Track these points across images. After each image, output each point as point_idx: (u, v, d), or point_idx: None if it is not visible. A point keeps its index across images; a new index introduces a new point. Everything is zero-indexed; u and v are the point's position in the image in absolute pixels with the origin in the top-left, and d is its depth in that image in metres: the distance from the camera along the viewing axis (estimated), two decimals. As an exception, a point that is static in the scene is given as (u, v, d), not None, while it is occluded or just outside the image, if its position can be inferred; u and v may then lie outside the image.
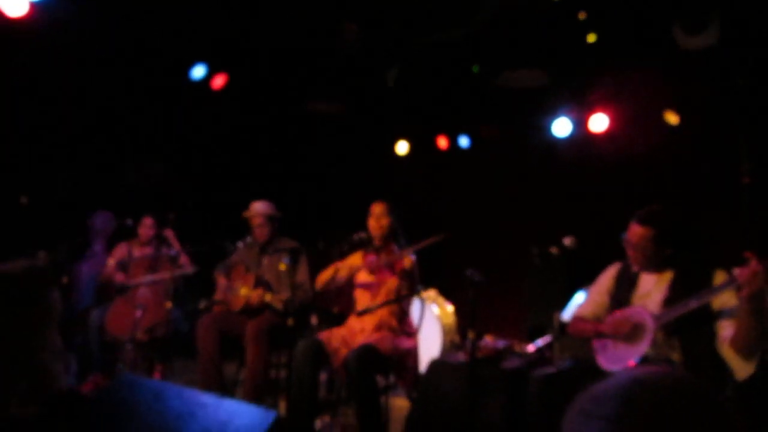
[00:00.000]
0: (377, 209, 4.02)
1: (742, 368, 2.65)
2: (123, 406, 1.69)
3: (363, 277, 4.04)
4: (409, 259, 3.92)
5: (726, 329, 2.71)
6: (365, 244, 4.05)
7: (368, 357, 3.57)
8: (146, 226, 5.38)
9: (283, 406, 3.93)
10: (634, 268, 3.09)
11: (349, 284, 4.16)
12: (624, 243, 3.03)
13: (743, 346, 2.61)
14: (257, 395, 4.30)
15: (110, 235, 5.91)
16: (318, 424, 3.91)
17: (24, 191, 5.76)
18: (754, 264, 2.49)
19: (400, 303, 3.86)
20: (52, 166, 5.88)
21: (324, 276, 4.11)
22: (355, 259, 4.15)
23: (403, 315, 3.98)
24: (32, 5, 3.92)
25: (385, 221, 3.98)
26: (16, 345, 1.47)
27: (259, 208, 4.85)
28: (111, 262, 5.27)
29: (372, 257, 3.99)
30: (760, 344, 2.60)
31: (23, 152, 5.58)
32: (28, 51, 4.54)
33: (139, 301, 5.08)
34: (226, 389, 4.51)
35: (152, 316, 4.99)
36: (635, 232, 2.96)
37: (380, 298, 3.90)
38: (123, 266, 5.31)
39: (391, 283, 3.80)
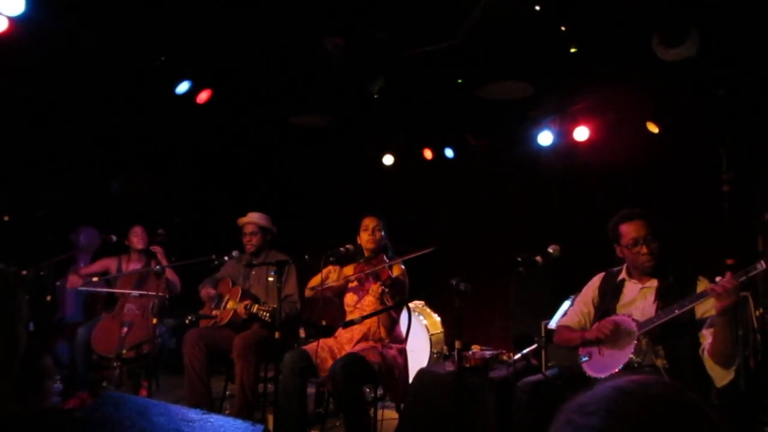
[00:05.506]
0: (371, 223, 4.01)
1: (720, 376, 2.74)
2: (108, 424, 1.67)
3: (353, 290, 4.04)
4: (398, 268, 3.93)
5: (706, 338, 2.78)
6: (353, 257, 4.04)
7: (354, 366, 3.56)
8: (137, 235, 5.36)
9: (271, 420, 3.90)
10: (632, 275, 3.09)
11: (338, 294, 4.16)
12: (627, 248, 2.98)
13: (720, 356, 2.70)
14: (246, 410, 4.26)
15: (95, 251, 5.86)
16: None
17: (6, 208, 5.70)
18: (727, 279, 2.54)
19: (388, 313, 3.84)
20: (35, 183, 5.83)
21: (313, 281, 4.09)
22: (348, 270, 4.14)
23: (391, 326, 3.96)
24: (11, 21, 3.87)
25: (378, 235, 3.99)
26: None
27: (254, 216, 4.88)
28: (75, 277, 5.24)
29: (362, 269, 3.98)
30: (736, 353, 2.70)
31: (5, 169, 5.52)
32: (8, 67, 4.50)
33: (125, 319, 5.04)
34: (213, 405, 4.47)
35: (138, 333, 4.95)
36: (642, 225, 2.93)
37: (367, 306, 3.89)
38: (110, 282, 5.26)
39: (375, 289, 3.73)
